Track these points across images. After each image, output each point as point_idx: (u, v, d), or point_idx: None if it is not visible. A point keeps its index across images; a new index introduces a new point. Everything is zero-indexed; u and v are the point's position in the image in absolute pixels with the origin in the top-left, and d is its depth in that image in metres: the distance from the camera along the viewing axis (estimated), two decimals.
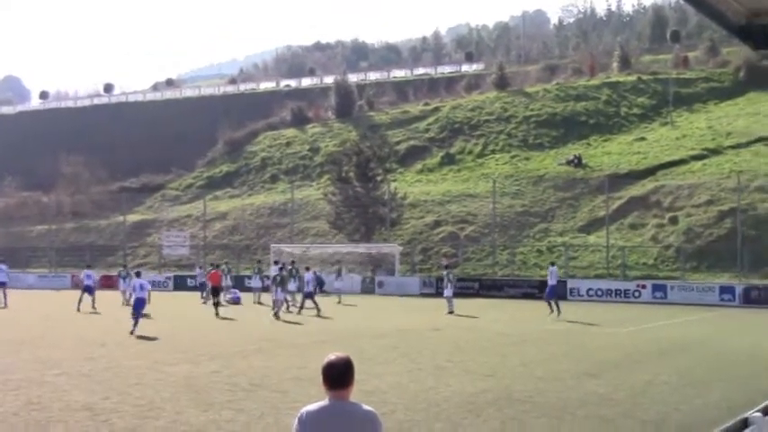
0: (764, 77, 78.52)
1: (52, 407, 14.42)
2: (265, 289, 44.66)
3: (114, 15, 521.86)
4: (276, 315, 34.06)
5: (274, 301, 35.29)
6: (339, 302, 44.15)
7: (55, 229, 79.48)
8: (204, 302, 42.95)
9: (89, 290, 39.43)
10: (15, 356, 21.23)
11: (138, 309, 28.22)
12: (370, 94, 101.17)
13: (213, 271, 39.72)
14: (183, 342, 24.88)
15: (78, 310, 37.51)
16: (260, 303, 43.25)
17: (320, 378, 5.65)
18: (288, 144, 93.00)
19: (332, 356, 5.65)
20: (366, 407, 5.58)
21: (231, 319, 34.31)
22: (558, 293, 38.01)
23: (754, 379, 18.91)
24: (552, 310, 35.51)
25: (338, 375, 5.59)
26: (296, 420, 5.59)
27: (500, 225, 62.43)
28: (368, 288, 55.15)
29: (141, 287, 28.89)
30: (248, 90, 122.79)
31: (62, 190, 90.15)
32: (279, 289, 35.55)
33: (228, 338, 26.05)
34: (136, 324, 27.08)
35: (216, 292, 37.67)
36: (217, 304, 36.60)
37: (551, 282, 37.08)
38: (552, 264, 39.96)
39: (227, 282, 45.38)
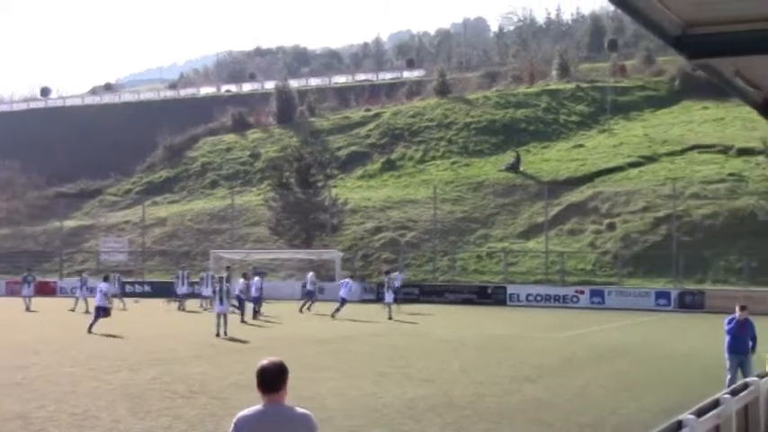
0: (698, 87, 79.64)
1: None
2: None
3: (51, 18, 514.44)
4: (224, 332, 29.07)
5: (218, 315, 29.78)
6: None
7: None
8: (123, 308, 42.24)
9: (103, 312, 31.13)
10: None
11: None
12: (311, 99, 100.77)
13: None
14: (123, 349, 24.55)
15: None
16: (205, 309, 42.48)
17: None
18: (228, 149, 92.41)
19: (265, 361, 5.72)
20: (300, 409, 5.66)
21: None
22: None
23: (690, 382, 19.21)
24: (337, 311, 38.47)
25: (271, 380, 5.67)
26: (231, 426, 5.63)
27: (440, 231, 62.65)
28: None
29: None
30: (188, 95, 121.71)
31: None
32: (220, 301, 30.31)
33: (168, 345, 25.76)
34: None
35: None
36: None
37: (342, 294, 39.55)
38: (351, 277, 44.04)
39: (182, 288, 44.76)
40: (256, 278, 40.85)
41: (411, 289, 52.63)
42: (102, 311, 30.93)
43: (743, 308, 16.84)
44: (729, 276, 51.30)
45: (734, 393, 9.17)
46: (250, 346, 26.04)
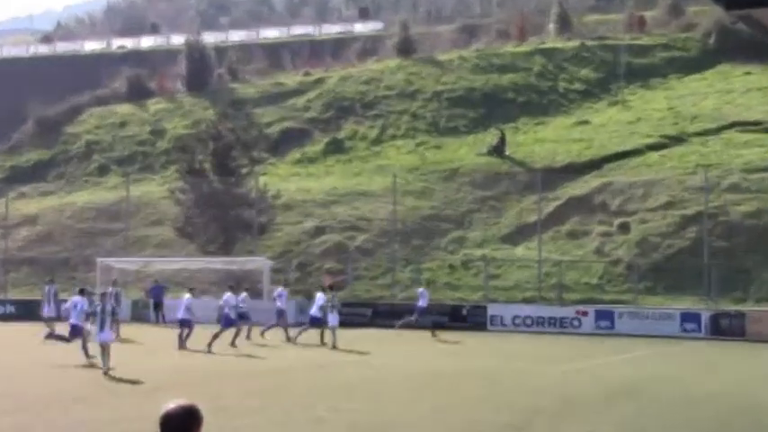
0: (740, 46, 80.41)
1: None
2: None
3: None
4: (106, 370, 27.73)
5: (101, 346, 28.14)
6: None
7: None
8: None
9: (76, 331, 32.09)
10: None
11: None
12: (233, 59, 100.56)
13: None
14: None
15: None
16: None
17: None
18: (122, 125, 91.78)
19: (170, 405, 5.68)
20: None
21: None
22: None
23: (719, 428, 19.41)
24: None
25: (178, 429, 5.62)
26: None
27: (401, 233, 62.63)
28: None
29: None
30: (68, 52, 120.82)
31: None
32: (101, 326, 28.52)
33: (44, 383, 25.54)
34: None
35: None
36: None
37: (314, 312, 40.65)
38: (323, 289, 43.14)
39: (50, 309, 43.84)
40: (227, 294, 41.35)
41: (362, 309, 52.63)
42: (74, 330, 31.65)
43: None
44: None
45: None
46: (152, 384, 25.78)
